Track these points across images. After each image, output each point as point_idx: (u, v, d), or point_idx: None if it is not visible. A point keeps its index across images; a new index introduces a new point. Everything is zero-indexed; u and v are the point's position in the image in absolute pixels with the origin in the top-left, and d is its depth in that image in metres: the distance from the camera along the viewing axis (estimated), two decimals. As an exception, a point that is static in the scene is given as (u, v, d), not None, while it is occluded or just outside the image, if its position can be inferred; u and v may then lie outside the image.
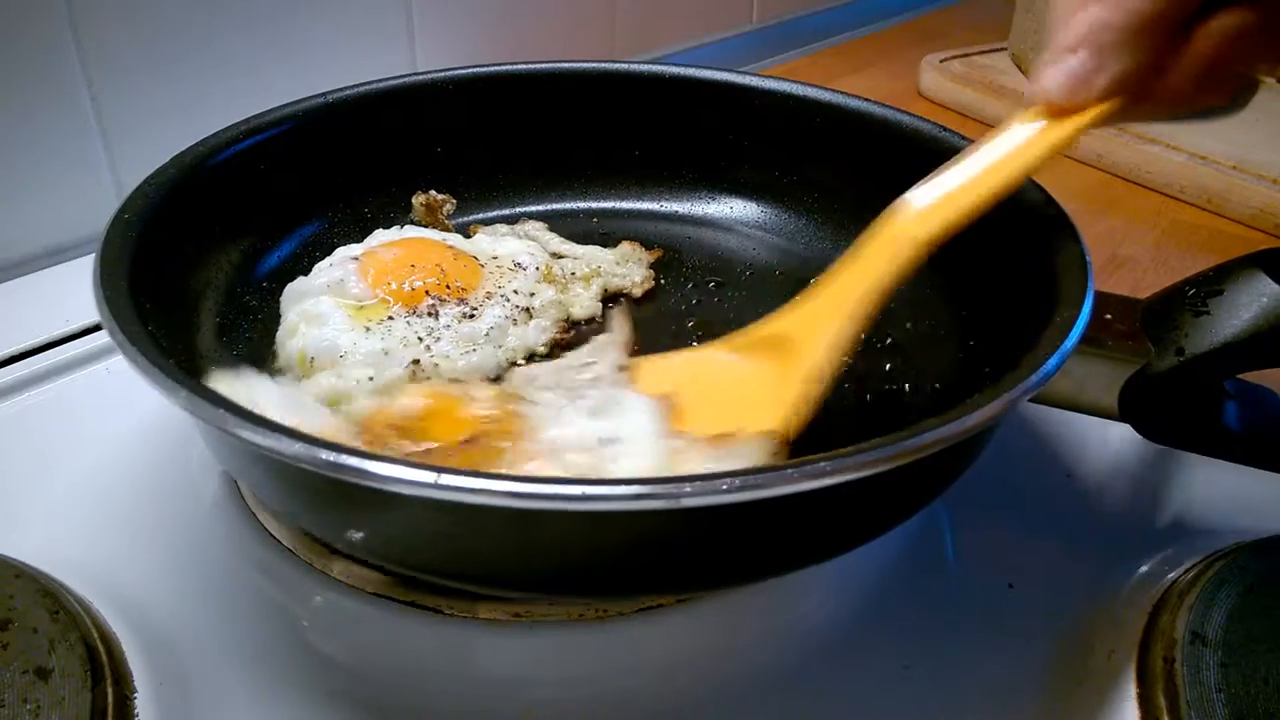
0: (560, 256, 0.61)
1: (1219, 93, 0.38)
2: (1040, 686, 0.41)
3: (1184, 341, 0.41)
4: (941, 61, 1.10)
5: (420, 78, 0.64)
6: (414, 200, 0.63)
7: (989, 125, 1.01)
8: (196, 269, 0.51)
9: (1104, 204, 0.86)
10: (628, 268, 0.60)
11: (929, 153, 0.56)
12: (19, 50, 0.63)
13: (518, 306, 0.55)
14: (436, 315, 0.52)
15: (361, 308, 0.52)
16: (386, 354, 0.49)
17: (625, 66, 0.66)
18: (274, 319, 0.53)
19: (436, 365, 0.50)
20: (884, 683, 0.40)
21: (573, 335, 0.56)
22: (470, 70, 0.65)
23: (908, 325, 0.54)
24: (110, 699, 0.37)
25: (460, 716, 0.39)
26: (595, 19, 1.01)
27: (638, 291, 0.59)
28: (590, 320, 0.57)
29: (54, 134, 0.66)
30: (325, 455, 0.31)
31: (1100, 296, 0.43)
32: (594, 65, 0.66)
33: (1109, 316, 0.43)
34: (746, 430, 0.39)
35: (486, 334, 0.52)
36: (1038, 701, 0.40)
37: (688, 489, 0.30)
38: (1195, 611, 0.41)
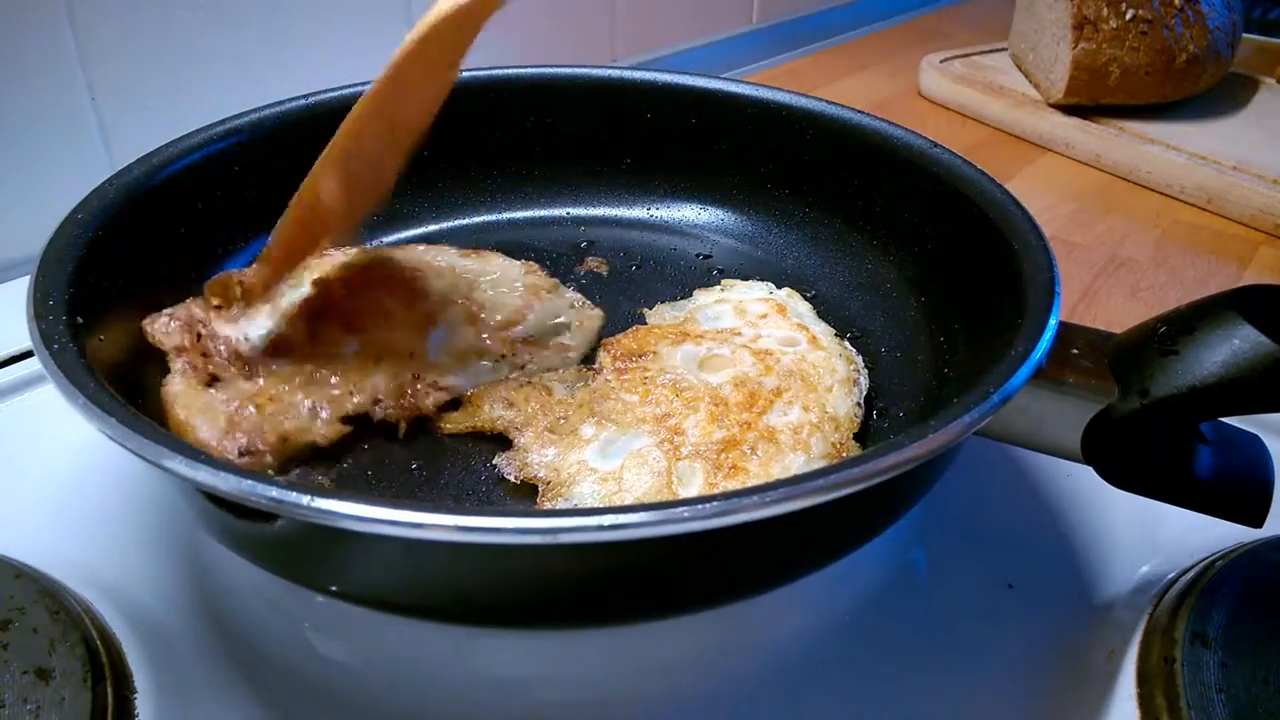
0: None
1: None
2: (1040, 686, 0.40)
3: (1149, 383, 0.38)
4: (941, 61, 1.10)
5: None
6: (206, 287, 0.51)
7: (989, 125, 1.02)
8: (157, 273, 0.49)
9: (1104, 204, 0.85)
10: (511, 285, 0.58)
11: (919, 168, 0.55)
12: (19, 51, 0.63)
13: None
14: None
15: None
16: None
17: (617, 73, 0.66)
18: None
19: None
20: (883, 683, 0.40)
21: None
22: (464, 74, 0.64)
23: (883, 351, 0.54)
24: (110, 699, 0.37)
25: (460, 717, 0.39)
26: (595, 19, 1.01)
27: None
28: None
29: (54, 134, 0.66)
30: (205, 474, 0.31)
31: (1069, 330, 0.41)
32: (588, 72, 0.66)
33: (1075, 352, 0.40)
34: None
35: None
36: (1037, 701, 0.40)
37: (565, 524, 0.30)
38: (1195, 612, 0.41)
